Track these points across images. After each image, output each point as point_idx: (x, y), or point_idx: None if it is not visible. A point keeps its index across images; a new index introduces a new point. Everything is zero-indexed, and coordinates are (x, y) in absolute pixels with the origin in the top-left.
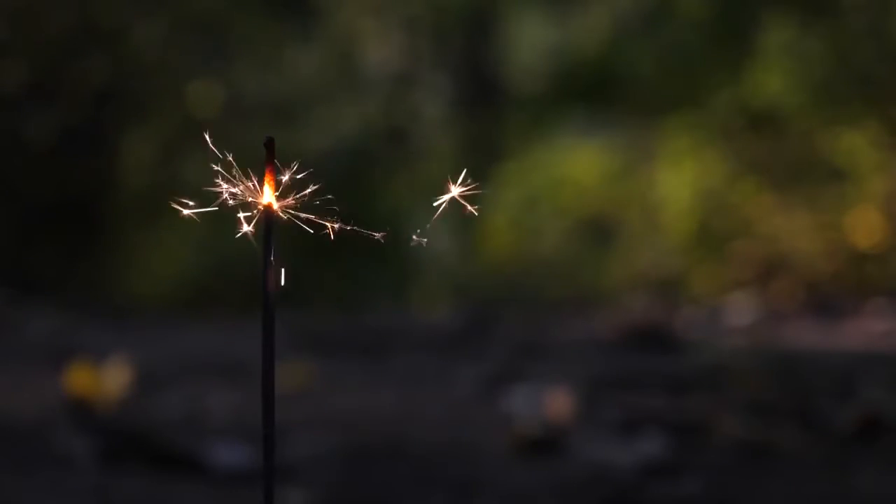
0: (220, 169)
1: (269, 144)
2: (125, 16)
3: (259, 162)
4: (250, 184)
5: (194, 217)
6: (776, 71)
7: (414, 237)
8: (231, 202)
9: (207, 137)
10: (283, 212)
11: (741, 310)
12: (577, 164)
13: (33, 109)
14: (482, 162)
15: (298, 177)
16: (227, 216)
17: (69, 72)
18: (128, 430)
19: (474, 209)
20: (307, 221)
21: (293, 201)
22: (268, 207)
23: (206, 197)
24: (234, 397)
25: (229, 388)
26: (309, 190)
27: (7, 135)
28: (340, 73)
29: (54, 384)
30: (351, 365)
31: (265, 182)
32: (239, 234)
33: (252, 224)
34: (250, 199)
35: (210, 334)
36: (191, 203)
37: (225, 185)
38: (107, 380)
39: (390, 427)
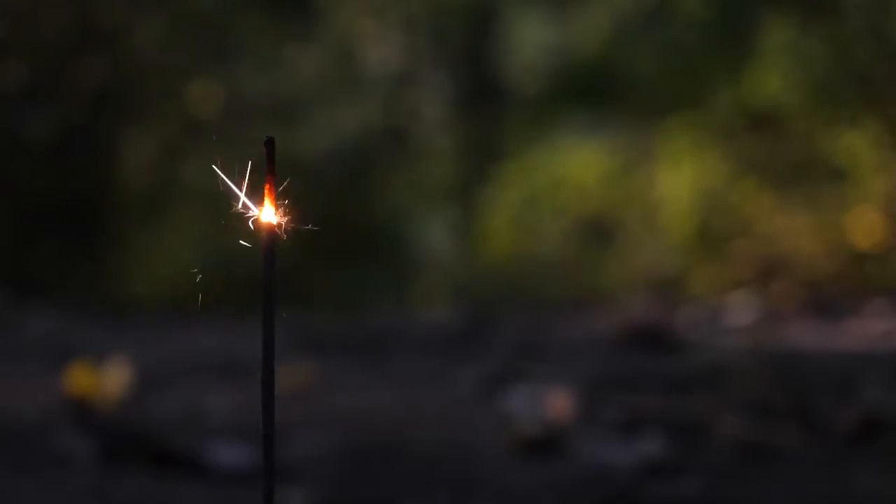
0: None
1: (270, 145)
2: (125, 16)
3: (258, 163)
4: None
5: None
6: (776, 71)
7: None
8: (235, 211)
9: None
10: (284, 226)
11: (741, 310)
12: (577, 164)
13: (33, 109)
14: (482, 162)
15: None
16: (227, 216)
17: (69, 72)
18: (128, 430)
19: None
20: (309, 229)
21: (294, 219)
22: (269, 226)
23: (208, 198)
24: (234, 397)
25: (229, 388)
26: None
27: (7, 135)
28: (340, 73)
29: (54, 384)
30: (351, 365)
31: (265, 194)
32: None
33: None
34: (250, 216)
35: (210, 334)
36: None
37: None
38: (107, 380)
39: (390, 427)
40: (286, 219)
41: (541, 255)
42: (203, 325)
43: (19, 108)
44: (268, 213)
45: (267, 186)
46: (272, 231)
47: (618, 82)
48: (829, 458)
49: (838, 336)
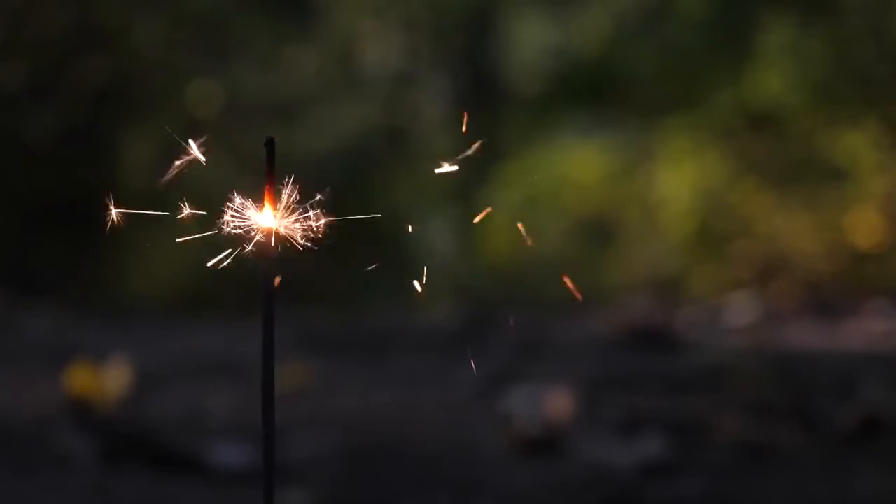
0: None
1: (270, 145)
2: (125, 16)
3: (259, 164)
4: (248, 204)
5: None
6: (776, 71)
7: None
8: (228, 229)
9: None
10: (283, 232)
11: (741, 310)
12: (577, 164)
13: (33, 109)
14: (482, 162)
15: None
16: (226, 217)
17: (69, 72)
18: (128, 430)
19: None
20: (309, 236)
21: (294, 223)
22: (269, 231)
23: (206, 200)
24: (234, 397)
25: (229, 388)
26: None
27: (7, 135)
28: (340, 73)
29: (54, 384)
30: (351, 365)
31: (265, 198)
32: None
33: (251, 245)
34: (248, 223)
35: (210, 334)
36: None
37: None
38: (107, 380)
39: (390, 427)
40: (286, 220)
41: (541, 255)
42: (203, 324)
43: (19, 108)
44: (267, 215)
45: (266, 187)
46: (271, 232)
47: (618, 82)
48: (829, 458)
49: (838, 336)
